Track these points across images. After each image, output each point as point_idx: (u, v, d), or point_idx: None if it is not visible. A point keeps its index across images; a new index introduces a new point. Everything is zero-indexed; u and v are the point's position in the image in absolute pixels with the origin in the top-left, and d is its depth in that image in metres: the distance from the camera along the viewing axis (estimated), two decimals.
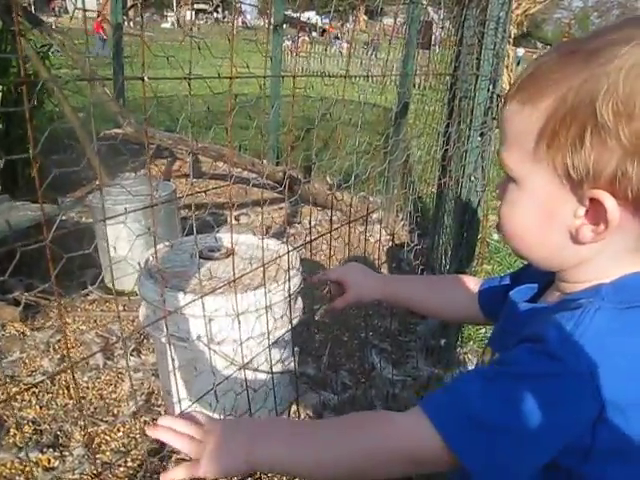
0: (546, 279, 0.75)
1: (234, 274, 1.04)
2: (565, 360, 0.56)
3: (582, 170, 0.57)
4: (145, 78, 0.68)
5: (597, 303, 0.59)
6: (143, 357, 2.33)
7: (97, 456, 1.79)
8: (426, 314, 1.09)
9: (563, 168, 0.58)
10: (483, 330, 2.49)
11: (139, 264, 1.53)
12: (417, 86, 4.93)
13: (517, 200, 0.65)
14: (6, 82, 3.62)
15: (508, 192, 0.66)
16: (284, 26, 5.68)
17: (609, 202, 0.57)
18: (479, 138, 1.72)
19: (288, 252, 1.15)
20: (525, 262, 0.79)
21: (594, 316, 0.58)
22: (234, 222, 3.60)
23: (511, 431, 0.57)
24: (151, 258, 1.70)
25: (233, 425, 0.71)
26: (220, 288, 1.38)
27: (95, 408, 2.01)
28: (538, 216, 0.63)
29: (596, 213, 0.58)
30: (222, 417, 1.39)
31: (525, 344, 0.60)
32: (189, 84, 0.79)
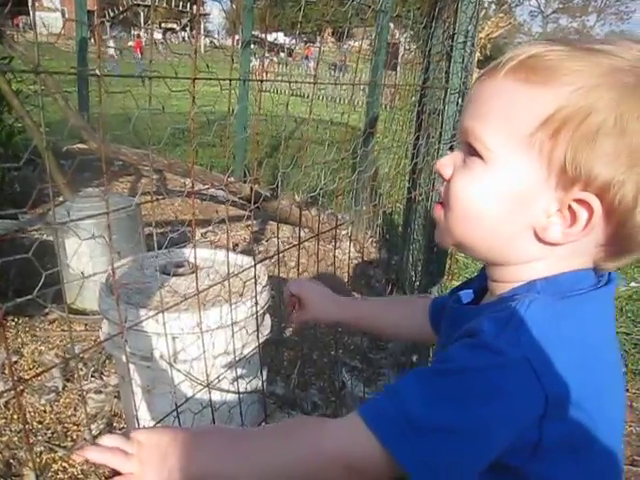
0: (483, 285, 0.72)
1: (197, 289, 0.99)
2: (502, 351, 0.54)
3: (581, 169, 0.54)
4: (97, 72, 0.64)
5: (532, 296, 0.58)
6: (105, 379, 2.24)
7: None
8: (383, 336, 1.08)
9: (560, 162, 0.55)
10: None
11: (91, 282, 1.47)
12: (385, 107, 4.96)
13: (482, 178, 0.60)
14: None
15: (470, 169, 0.62)
16: (252, 46, 5.69)
17: (597, 207, 0.55)
18: (449, 151, 1.71)
19: (255, 264, 1.11)
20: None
21: (529, 306, 0.56)
22: (201, 239, 3.54)
23: (452, 430, 0.54)
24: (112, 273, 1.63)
25: (167, 436, 0.66)
26: (184, 304, 1.33)
27: (52, 433, 1.92)
28: (504, 202, 0.60)
29: (573, 215, 0.57)
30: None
31: (460, 341, 0.58)
32: (144, 82, 0.75)
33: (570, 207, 0.57)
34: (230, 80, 0.85)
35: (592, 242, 0.59)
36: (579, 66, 0.55)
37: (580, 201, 0.56)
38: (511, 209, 0.59)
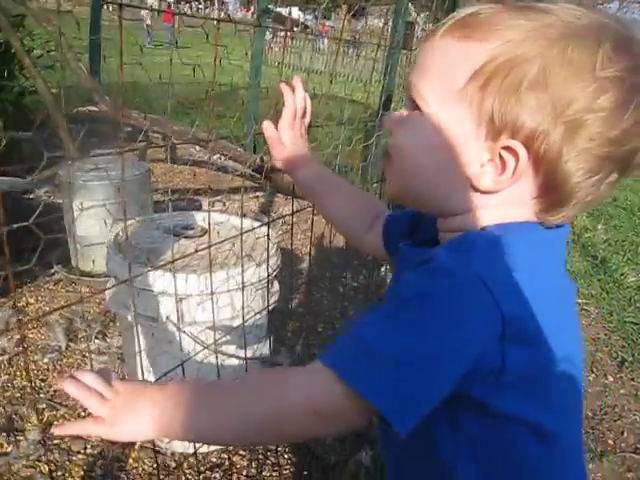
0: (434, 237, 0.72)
1: (209, 241, 0.96)
2: (455, 271, 0.56)
3: (507, 119, 0.56)
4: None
5: (480, 233, 0.61)
6: (109, 340, 2.23)
7: (55, 442, 1.69)
8: (325, 217, 1.00)
9: (489, 112, 0.57)
10: None
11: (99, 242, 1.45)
12: (399, 87, 4.90)
13: (420, 132, 0.63)
14: None
15: (410, 123, 0.64)
16: (267, 20, 5.61)
17: (523, 154, 0.57)
18: None
19: (269, 222, 1.08)
20: None
21: (480, 236, 0.60)
22: (208, 207, 3.51)
23: (413, 358, 0.54)
24: (120, 233, 1.61)
25: (140, 388, 0.67)
26: (192, 266, 1.30)
27: (55, 391, 1.92)
28: (439, 154, 0.61)
29: (503, 163, 0.58)
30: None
31: (414, 270, 0.59)
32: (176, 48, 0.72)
33: (500, 155, 0.58)
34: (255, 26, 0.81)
35: (526, 192, 0.60)
36: (509, 22, 0.57)
37: (508, 149, 0.57)
38: (446, 161, 0.61)
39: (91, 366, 1.35)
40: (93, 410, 0.63)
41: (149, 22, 14.77)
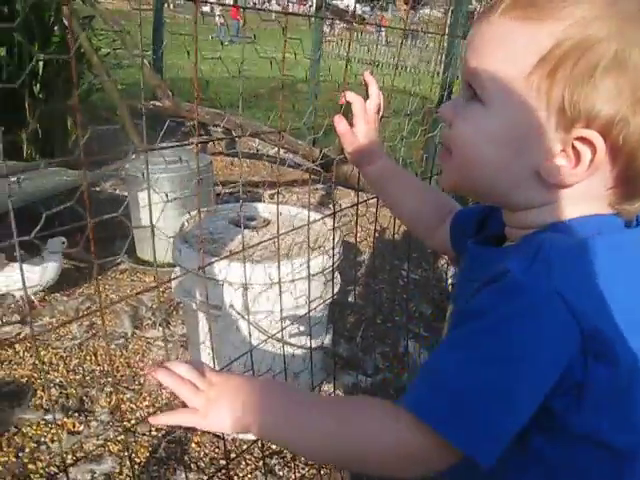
0: (501, 230, 0.68)
1: (278, 231, 0.97)
2: (531, 288, 0.51)
3: (580, 107, 0.51)
4: None
5: (555, 234, 0.56)
6: (172, 328, 2.30)
7: (122, 423, 1.76)
8: (395, 211, 0.98)
9: (559, 101, 0.52)
10: None
11: (164, 234, 1.48)
12: (458, 77, 4.81)
13: (484, 124, 0.58)
14: (48, 52, 3.62)
15: (471, 114, 0.59)
16: (326, 13, 5.62)
17: (600, 145, 0.52)
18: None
19: (334, 213, 1.08)
20: None
21: (553, 242, 0.54)
22: (268, 200, 3.55)
23: (497, 390, 0.51)
24: (186, 223, 1.65)
25: (236, 383, 0.67)
26: (256, 256, 1.32)
27: (122, 376, 1.99)
28: (504, 147, 0.57)
29: (577, 154, 0.53)
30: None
31: (487, 287, 0.55)
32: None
33: (574, 147, 0.53)
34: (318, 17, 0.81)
35: (601, 183, 0.56)
36: None
37: (583, 139, 0.52)
38: (512, 154, 0.57)
39: (168, 354, 1.39)
40: (187, 401, 0.64)
41: (222, 19, 15.02)
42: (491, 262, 0.58)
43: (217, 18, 15.18)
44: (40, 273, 2.27)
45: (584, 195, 0.57)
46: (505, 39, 0.55)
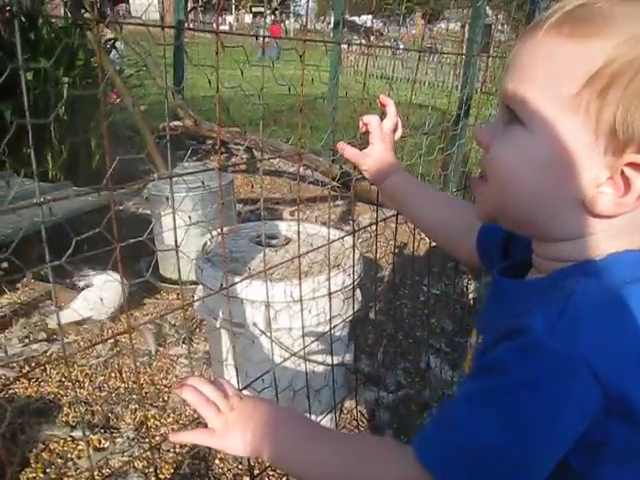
0: (527, 257, 0.64)
1: (299, 251, 0.99)
2: (556, 352, 0.48)
3: (634, 130, 0.48)
4: None
5: (586, 281, 0.52)
6: (195, 346, 2.33)
7: (147, 440, 1.78)
8: (419, 225, 0.97)
9: (610, 123, 0.48)
10: None
11: (186, 255, 1.51)
12: (477, 90, 4.82)
13: (527, 148, 0.54)
14: (72, 75, 3.72)
15: (511, 137, 0.55)
16: (343, 29, 5.68)
17: None
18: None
19: (354, 232, 1.10)
20: None
21: (584, 294, 0.50)
22: (289, 217, 3.58)
23: (512, 455, 0.49)
24: (209, 242, 1.68)
25: (254, 410, 0.68)
26: (277, 274, 1.34)
27: (146, 393, 2.02)
28: (547, 172, 0.53)
29: (627, 182, 0.50)
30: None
31: (509, 342, 0.51)
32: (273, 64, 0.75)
33: (623, 173, 0.50)
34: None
35: None
36: (631, 12, 0.48)
37: (634, 165, 0.49)
38: (555, 180, 0.53)
39: (192, 371, 1.41)
40: (208, 421, 0.66)
41: (269, 40, 15.36)
42: (516, 301, 0.58)
43: (259, 39, 15.47)
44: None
45: (629, 226, 0.53)
46: (550, 57, 0.51)
